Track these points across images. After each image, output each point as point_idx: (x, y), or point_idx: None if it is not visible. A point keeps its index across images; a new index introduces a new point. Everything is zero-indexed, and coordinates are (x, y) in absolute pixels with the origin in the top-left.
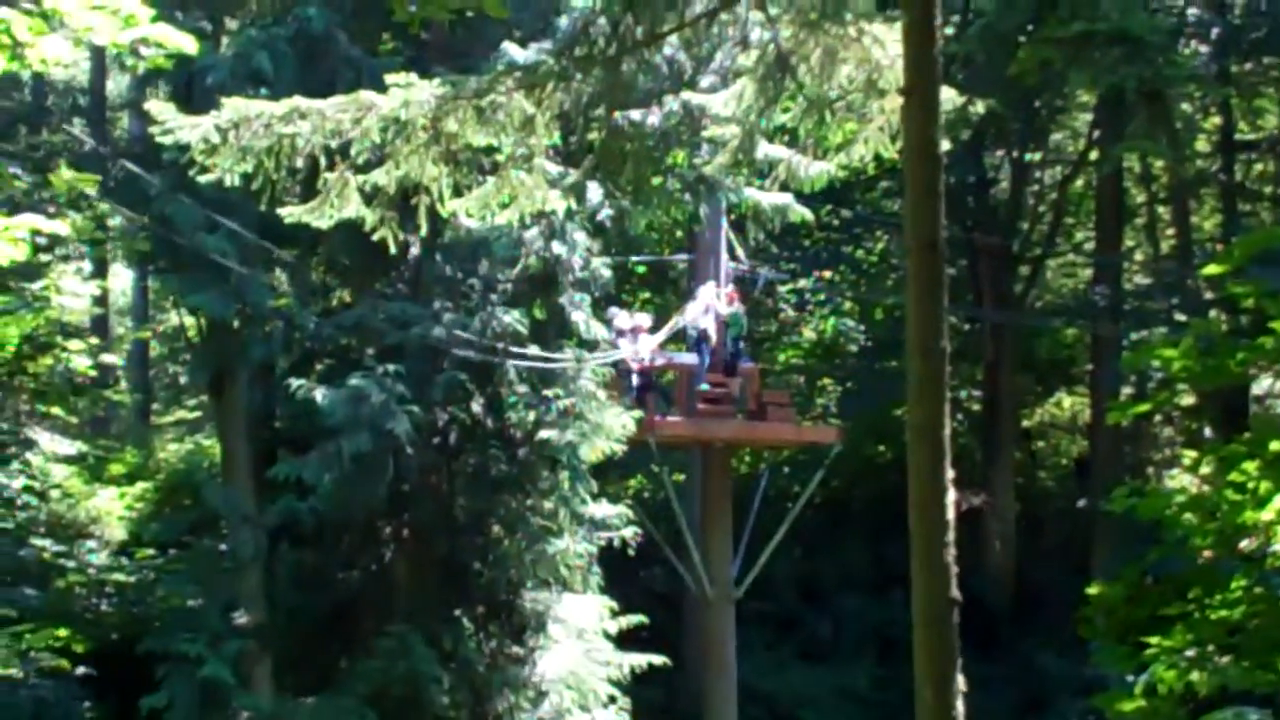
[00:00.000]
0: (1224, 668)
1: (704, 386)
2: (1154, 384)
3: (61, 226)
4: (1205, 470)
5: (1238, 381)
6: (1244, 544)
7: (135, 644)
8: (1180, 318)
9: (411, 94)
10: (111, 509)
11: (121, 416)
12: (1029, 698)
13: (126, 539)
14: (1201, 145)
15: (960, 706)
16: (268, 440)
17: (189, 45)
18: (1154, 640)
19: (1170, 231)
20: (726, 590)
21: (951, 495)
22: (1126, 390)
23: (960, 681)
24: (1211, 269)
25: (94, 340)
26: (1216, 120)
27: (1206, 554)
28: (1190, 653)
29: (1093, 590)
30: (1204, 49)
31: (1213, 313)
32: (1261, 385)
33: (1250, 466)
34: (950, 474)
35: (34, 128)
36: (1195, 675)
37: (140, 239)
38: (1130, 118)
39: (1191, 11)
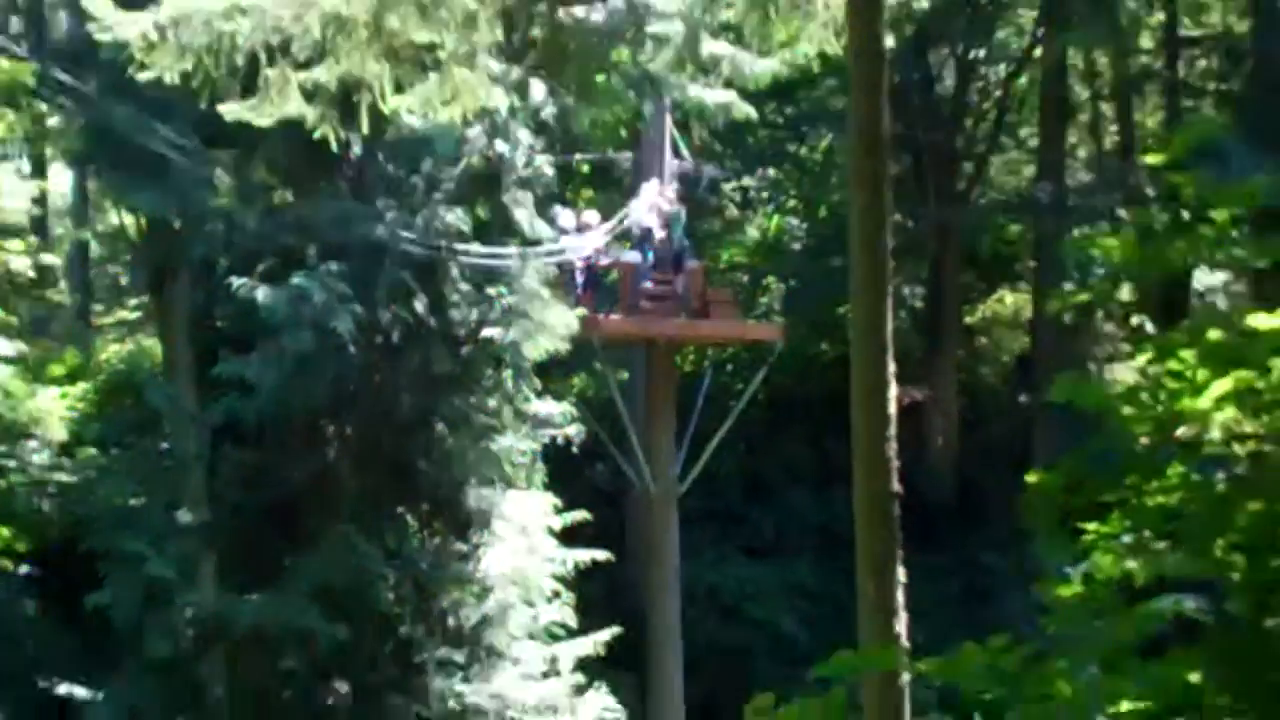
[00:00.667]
0: (1161, 554)
1: (648, 284)
2: (1095, 279)
3: None
4: (1144, 360)
5: (1179, 272)
6: (1181, 431)
7: (78, 543)
8: (1123, 214)
9: None
10: (52, 409)
11: (62, 317)
12: (971, 590)
13: (68, 439)
14: (1145, 42)
15: (901, 598)
16: (210, 340)
17: None
18: (1092, 527)
19: (1114, 129)
20: (670, 486)
21: (893, 390)
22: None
23: (901, 574)
24: (1152, 159)
25: (33, 240)
26: (1160, 16)
27: (1145, 441)
28: (1128, 539)
29: (1031, 478)
30: None
31: (1155, 208)
32: (1202, 280)
33: (1188, 355)
34: (892, 369)
35: None
36: (1132, 563)
37: (78, 136)
38: (1074, 12)
39: None
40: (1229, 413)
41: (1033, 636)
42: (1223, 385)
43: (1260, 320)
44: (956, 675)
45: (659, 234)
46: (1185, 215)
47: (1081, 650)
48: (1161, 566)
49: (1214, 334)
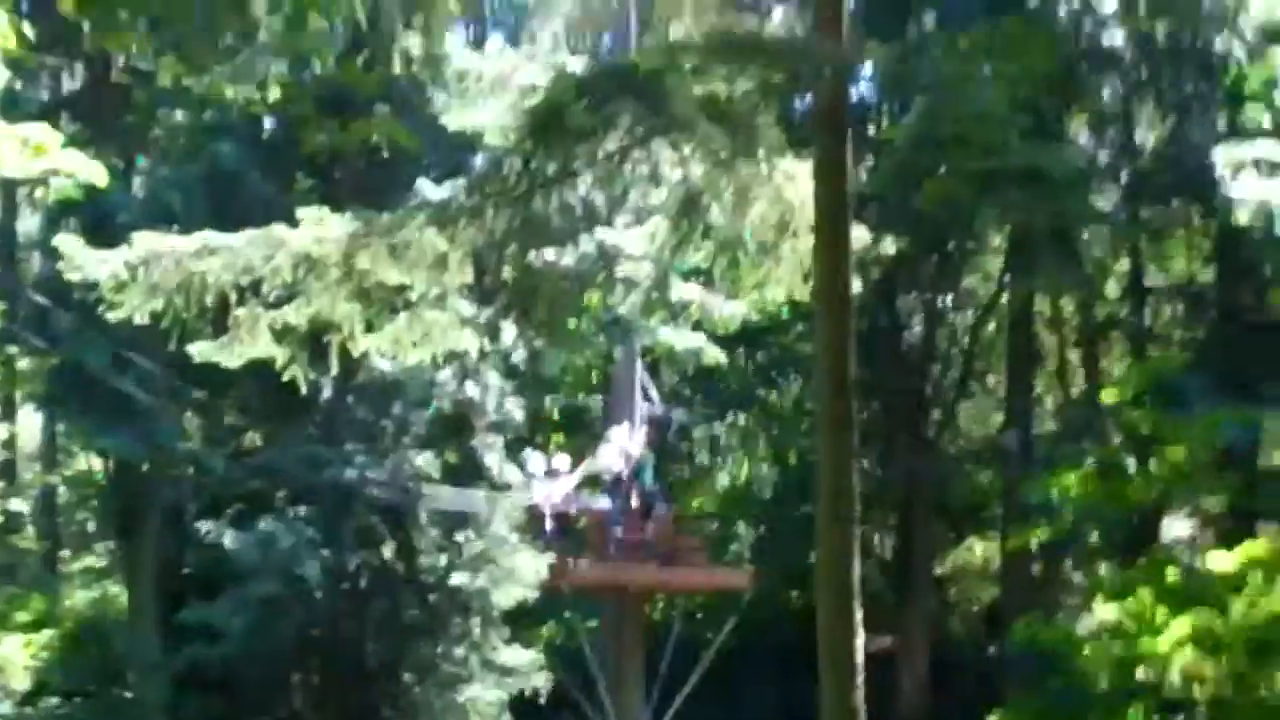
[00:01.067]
0: None
1: (618, 531)
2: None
3: None
4: (1102, 599)
5: (1142, 514)
6: (1141, 673)
7: None
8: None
9: (323, 230)
10: (17, 657)
11: (28, 564)
12: None
13: (32, 687)
14: (1111, 290)
15: None
16: (176, 585)
17: (99, 175)
18: None
19: (1080, 375)
20: None
21: (860, 638)
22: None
23: None
24: (1110, 394)
25: (0, 485)
26: (1125, 265)
27: (1104, 685)
28: None
29: (994, 719)
30: (1113, 192)
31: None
32: (1170, 531)
33: (1146, 594)
34: (859, 616)
35: None
36: None
37: (48, 379)
38: (1041, 259)
39: (1102, 153)
40: (1188, 654)
41: None
42: (1181, 627)
43: (1218, 560)
44: None
45: (626, 479)
46: (1142, 453)
47: None
48: None
49: (1171, 573)
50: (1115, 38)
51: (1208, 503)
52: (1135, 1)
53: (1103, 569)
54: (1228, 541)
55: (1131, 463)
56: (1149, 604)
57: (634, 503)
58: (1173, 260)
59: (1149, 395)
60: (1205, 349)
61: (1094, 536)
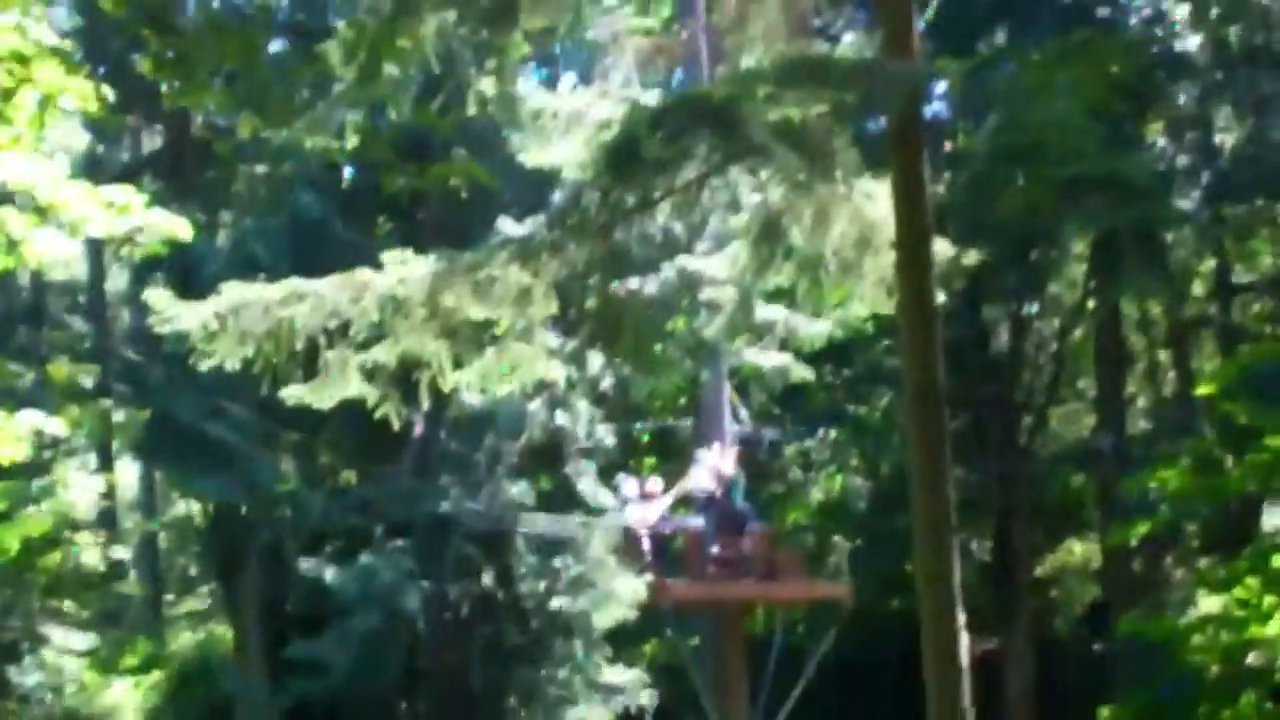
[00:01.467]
0: None
1: (714, 549)
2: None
3: (59, 425)
4: (1209, 594)
5: (1242, 505)
6: (1251, 659)
7: None
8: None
9: (408, 271)
10: (126, 701)
11: (133, 608)
12: None
13: None
14: (1198, 289)
15: None
16: (280, 623)
17: (184, 231)
18: None
19: (1171, 375)
20: None
21: (965, 641)
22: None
23: None
24: (1205, 388)
25: (102, 534)
26: (1211, 264)
27: (1215, 671)
28: None
29: (1105, 713)
30: (1195, 193)
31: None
32: (1271, 521)
33: (1253, 582)
34: (962, 619)
35: (33, 325)
36: None
37: (143, 429)
38: (1125, 264)
39: (1181, 157)
40: None
41: None
42: None
43: None
44: None
45: (719, 498)
46: (1239, 444)
47: None
48: None
49: (1278, 560)
50: (1189, 43)
51: None
52: (1207, 6)
53: (1203, 564)
54: None
55: (1229, 457)
56: (1256, 591)
57: (726, 520)
58: (1258, 257)
59: (1243, 388)
60: None
61: (1194, 531)
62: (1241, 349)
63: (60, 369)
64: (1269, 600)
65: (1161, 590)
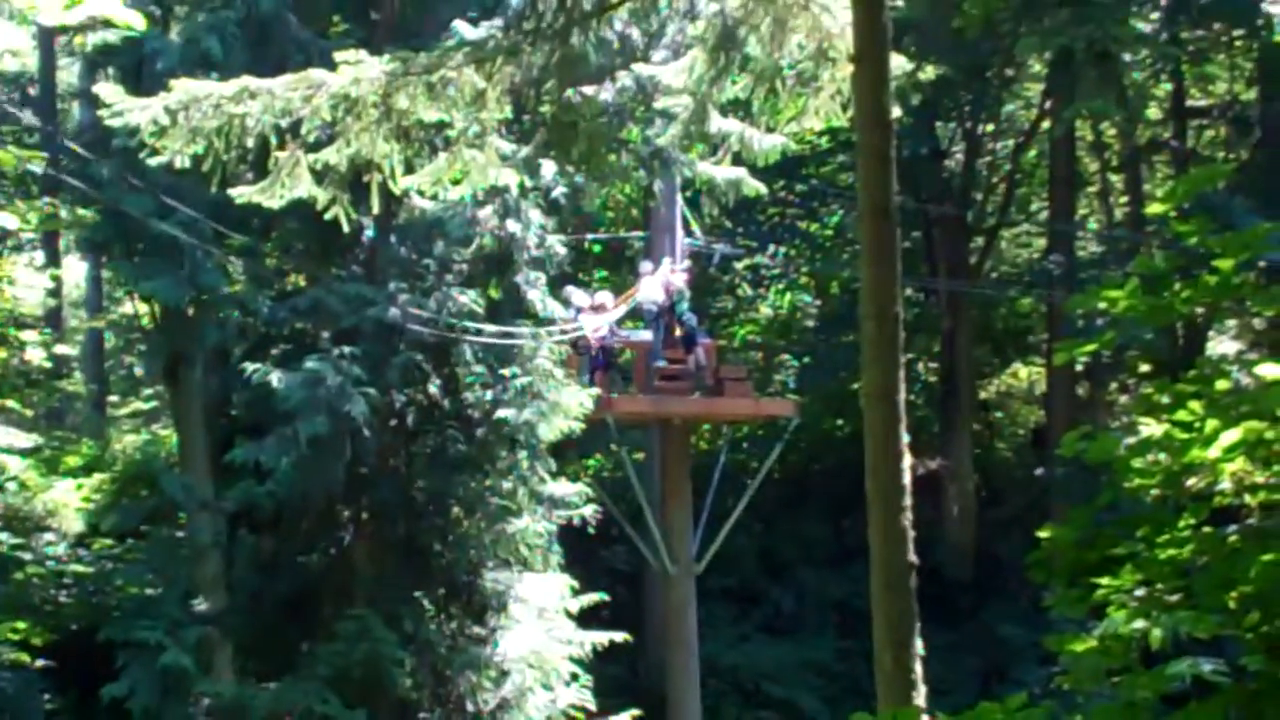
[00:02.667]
0: (1175, 607)
1: (661, 363)
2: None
3: (10, 219)
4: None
5: (1189, 328)
6: (1192, 483)
7: (95, 634)
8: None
9: (361, 71)
10: (68, 501)
11: (77, 408)
12: (990, 666)
13: (84, 530)
14: (1153, 113)
15: (920, 670)
16: (224, 426)
17: (137, 22)
18: (1105, 581)
19: (1124, 199)
20: (687, 566)
21: (907, 460)
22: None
23: (919, 646)
24: (1156, 207)
25: (48, 332)
26: (1167, 87)
27: (1156, 494)
28: (1140, 592)
29: (1044, 534)
30: (1154, 14)
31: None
32: (1216, 350)
33: (1197, 406)
34: (906, 439)
35: None
36: (1146, 623)
37: (92, 225)
38: (1081, 84)
39: None
40: (1239, 464)
41: (1050, 696)
42: (1232, 435)
43: (1268, 370)
44: None
45: (666, 312)
46: (1189, 267)
47: (1099, 706)
48: (1176, 622)
49: (1222, 384)
50: None
51: (1254, 323)
52: None
53: (1147, 390)
54: (1276, 358)
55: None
56: (1199, 415)
57: (675, 335)
58: (1215, 81)
59: (1195, 209)
60: (1248, 171)
61: (1140, 357)
62: (1194, 170)
63: (8, 156)
64: (1211, 424)
65: (1105, 416)
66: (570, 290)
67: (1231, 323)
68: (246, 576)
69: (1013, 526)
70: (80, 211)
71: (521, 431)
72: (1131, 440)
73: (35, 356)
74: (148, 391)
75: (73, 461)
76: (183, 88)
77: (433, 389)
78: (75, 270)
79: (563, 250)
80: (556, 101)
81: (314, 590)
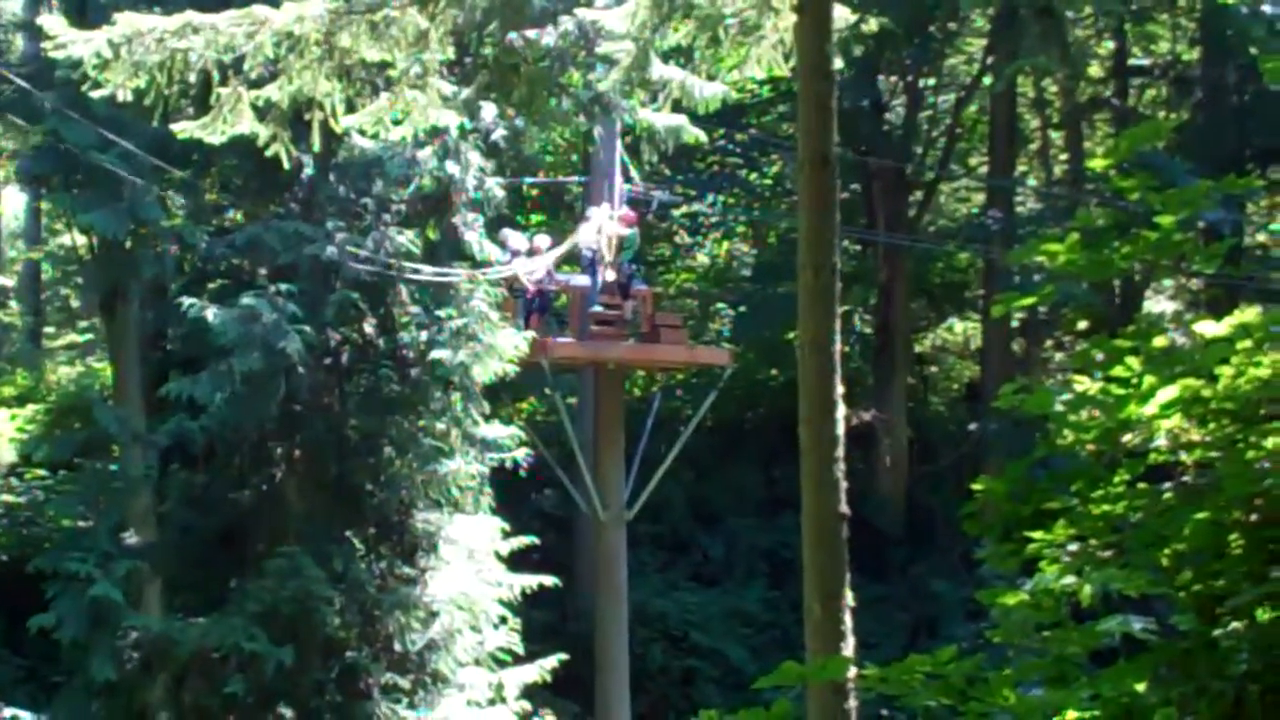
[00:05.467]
0: (1107, 563)
1: (597, 308)
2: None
3: None
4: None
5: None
6: (1127, 439)
7: (25, 564)
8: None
9: (305, 8)
10: (1, 431)
11: (12, 339)
12: (919, 620)
13: (16, 460)
14: (1095, 71)
15: (849, 622)
16: (160, 360)
17: None
18: (1038, 535)
19: (1064, 157)
20: (618, 512)
21: (841, 410)
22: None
23: (849, 598)
24: (1097, 163)
25: None
26: (1110, 45)
27: (1091, 449)
28: (1073, 548)
29: (977, 486)
30: None
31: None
32: (1155, 306)
33: (1134, 362)
34: (840, 389)
35: None
36: (1077, 578)
37: (31, 156)
38: (1024, 40)
39: None
40: (1175, 421)
41: (979, 649)
42: (1169, 393)
43: (1206, 327)
44: (901, 685)
45: (609, 258)
46: (1128, 223)
47: (1029, 662)
48: (1107, 579)
49: (1159, 340)
50: None
51: (1191, 283)
52: None
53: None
54: (1214, 316)
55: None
56: (1136, 371)
57: (612, 278)
58: (1157, 40)
59: (1135, 165)
60: (1189, 132)
61: (1077, 314)
62: (1136, 126)
63: None
64: (1149, 380)
65: (1041, 373)
66: (507, 233)
67: (1168, 283)
68: (177, 511)
69: (945, 481)
70: (19, 141)
71: (456, 373)
72: (1068, 395)
73: None
74: (83, 324)
75: (7, 392)
76: (126, 21)
77: (368, 328)
78: (13, 201)
79: (501, 193)
80: (499, 44)
81: (244, 527)
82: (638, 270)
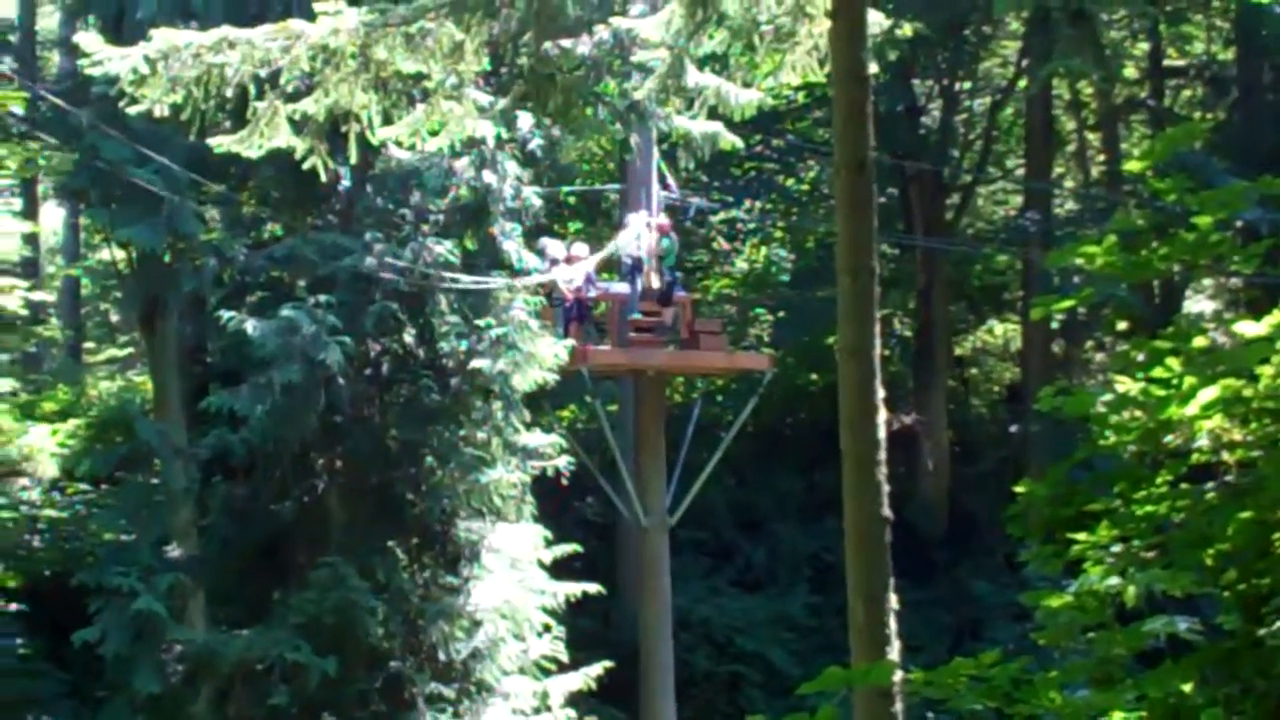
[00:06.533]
0: (1151, 564)
1: (636, 315)
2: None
3: None
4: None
5: (1166, 285)
6: (1169, 439)
7: (68, 579)
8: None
9: (340, 22)
10: (44, 446)
11: (54, 354)
12: (963, 622)
13: (59, 475)
14: (1130, 72)
15: (893, 626)
16: (200, 374)
17: None
18: (1081, 537)
19: (1100, 158)
20: (660, 518)
21: (882, 414)
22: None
23: (893, 601)
24: (1134, 164)
25: (24, 280)
26: (1145, 46)
27: (1133, 450)
28: (1117, 549)
29: (1020, 489)
30: None
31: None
32: (1193, 309)
33: (1175, 363)
34: (881, 393)
35: None
36: (1120, 580)
37: (68, 168)
38: (1058, 42)
39: None
40: (1216, 421)
41: (1024, 652)
42: (1210, 393)
43: (1246, 327)
44: (947, 688)
45: (649, 265)
46: (1166, 224)
47: (1074, 663)
48: (1151, 580)
49: (1200, 341)
50: None
51: (1230, 283)
52: None
53: (1129, 354)
54: (1253, 316)
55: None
56: (1176, 372)
57: (654, 284)
58: (1192, 41)
59: (1172, 166)
60: (1225, 132)
61: (1116, 315)
62: (1172, 128)
63: None
64: (1189, 380)
65: (1081, 374)
66: (545, 242)
67: (1207, 282)
68: (219, 523)
69: (986, 483)
70: (58, 157)
71: (496, 382)
72: (1109, 396)
73: (12, 302)
74: (123, 338)
75: (48, 407)
76: (162, 37)
77: (408, 338)
78: (52, 217)
79: (538, 202)
80: (534, 54)
81: (287, 538)
82: (678, 278)
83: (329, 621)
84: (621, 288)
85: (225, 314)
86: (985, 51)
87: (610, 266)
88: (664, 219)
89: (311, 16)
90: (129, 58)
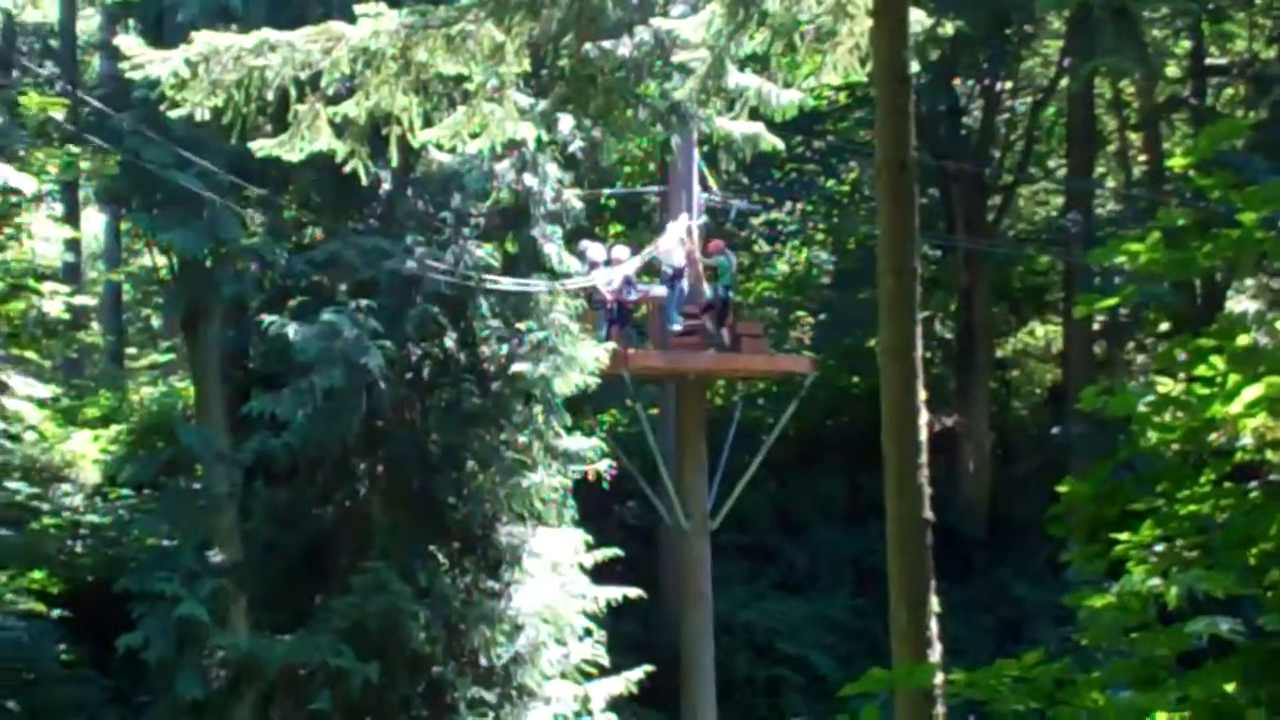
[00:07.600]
0: (1194, 563)
1: (676, 327)
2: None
3: (28, 181)
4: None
5: (1210, 286)
6: (1212, 438)
7: (111, 585)
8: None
9: (381, 24)
10: (86, 451)
11: (95, 360)
12: (1005, 624)
13: (101, 481)
14: (1172, 71)
15: (935, 628)
16: (241, 379)
17: None
18: (1124, 537)
19: (1142, 158)
20: (702, 522)
21: (924, 416)
22: (1100, 320)
23: (935, 604)
24: (1177, 161)
25: (66, 285)
26: (1187, 44)
27: (1175, 449)
28: (1160, 548)
29: (1063, 488)
30: None
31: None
32: (1237, 305)
33: (1218, 361)
34: (922, 395)
35: (4, 68)
36: (1163, 580)
37: (111, 171)
38: (1100, 41)
39: None
40: (1260, 419)
41: (1066, 653)
42: (1254, 391)
43: None
44: (989, 690)
45: (687, 268)
46: (1208, 221)
47: (1117, 664)
48: (1194, 580)
49: (1243, 339)
50: None
51: (1274, 282)
52: None
53: (1173, 353)
54: None
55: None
56: (1220, 370)
57: (709, 295)
58: (1234, 39)
59: (1215, 164)
60: (1268, 130)
61: (1158, 315)
62: (1215, 125)
63: (31, 100)
64: (1233, 379)
65: (1123, 375)
66: (586, 244)
67: (1249, 283)
68: (262, 528)
69: (1028, 485)
70: (99, 162)
71: (537, 386)
72: (1151, 396)
73: (54, 308)
74: (165, 343)
75: (90, 413)
76: (203, 40)
77: (449, 342)
78: (94, 222)
79: (579, 205)
80: (575, 55)
81: (329, 543)
82: (731, 297)
83: (371, 626)
84: (662, 291)
85: (266, 318)
86: (1027, 51)
87: (651, 270)
88: (715, 240)
89: (352, 18)
90: (170, 61)
